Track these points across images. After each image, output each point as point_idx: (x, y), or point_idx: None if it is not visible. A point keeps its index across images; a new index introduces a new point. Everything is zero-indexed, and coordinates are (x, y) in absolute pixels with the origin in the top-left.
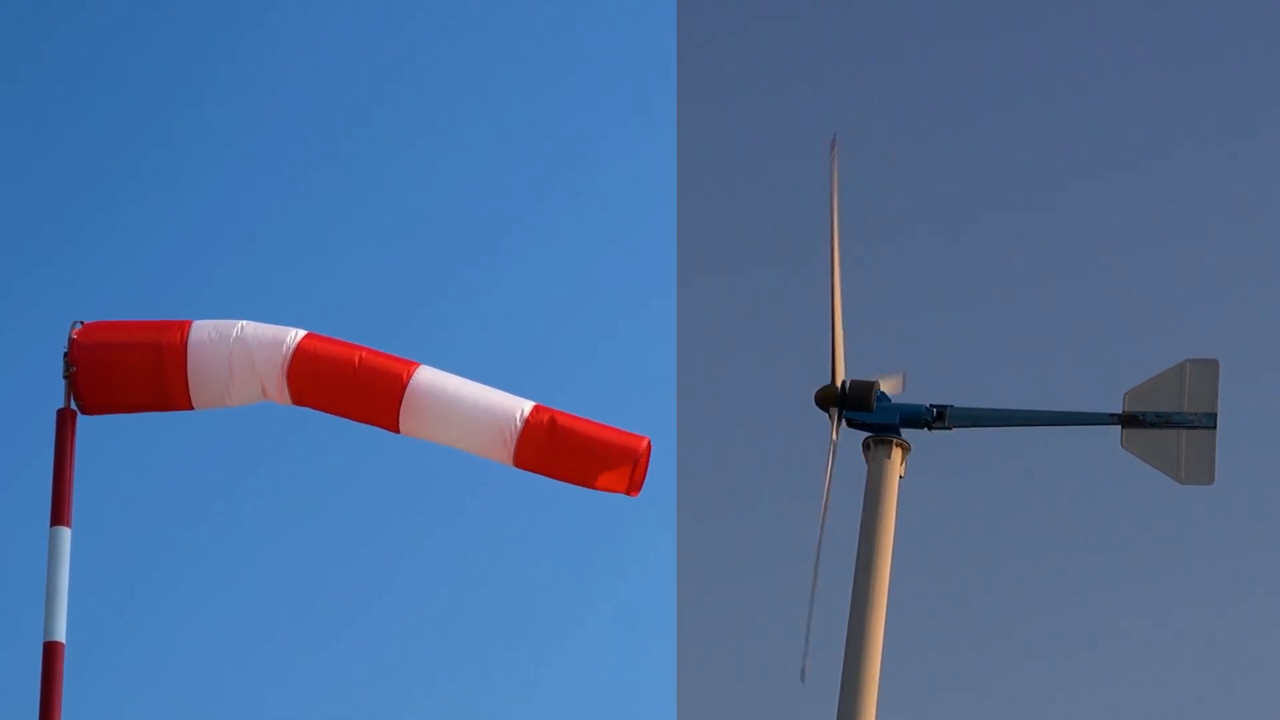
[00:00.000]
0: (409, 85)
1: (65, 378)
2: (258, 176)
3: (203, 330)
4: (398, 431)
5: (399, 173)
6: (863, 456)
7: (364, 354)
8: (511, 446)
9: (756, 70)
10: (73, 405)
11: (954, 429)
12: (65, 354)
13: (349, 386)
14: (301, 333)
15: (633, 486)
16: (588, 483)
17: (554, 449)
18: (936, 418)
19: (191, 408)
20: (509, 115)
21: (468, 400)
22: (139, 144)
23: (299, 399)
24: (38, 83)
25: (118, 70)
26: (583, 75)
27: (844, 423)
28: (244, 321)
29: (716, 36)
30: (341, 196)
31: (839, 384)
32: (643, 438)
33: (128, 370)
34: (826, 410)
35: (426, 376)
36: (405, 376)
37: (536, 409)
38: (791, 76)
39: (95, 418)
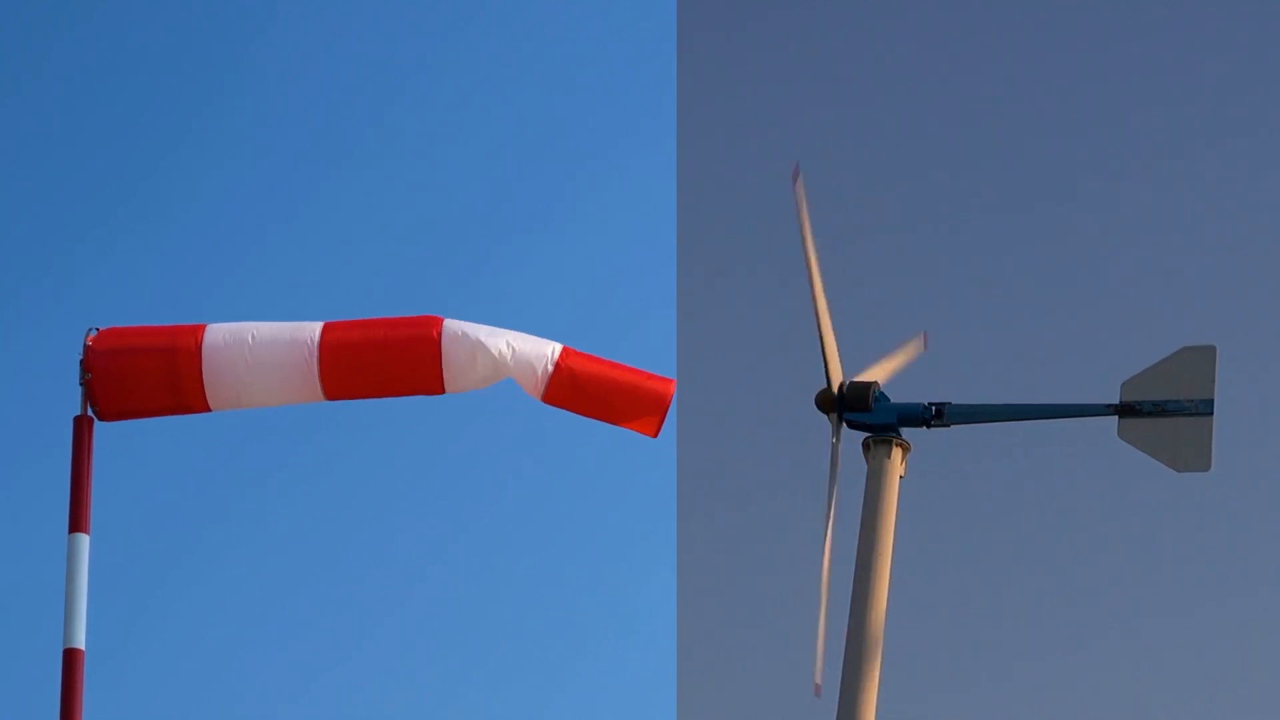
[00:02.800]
0: (412, 90)
1: (81, 384)
2: (268, 181)
3: (217, 334)
4: (443, 392)
5: (405, 177)
6: (863, 456)
7: (387, 328)
8: (542, 386)
9: (757, 71)
10: (89, 412)
11: (952, 426)
12: (81, 361)
13: (382, 364)
14: (319, 326)
15: (657, 429)
16: (614, 421)
17: (583, 388)
18: (935, 415)
19: (209, 409)
20: (507, 120)
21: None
22: (152, 149)
23: (333, 394)
24: (50, 89)
25: (130, 75)
26: (583, 77)
27: (844, 425)
28: (257, 323)
29: (716, 37)
30: (351, 200)
31: (837, 386)
32: (669, 381)
33: (143, 376)
34: (828, 414)
35: (453, 328)
36: (435, 334)
37: (565, 351)
38: (792, 76)
39: (112, 424)
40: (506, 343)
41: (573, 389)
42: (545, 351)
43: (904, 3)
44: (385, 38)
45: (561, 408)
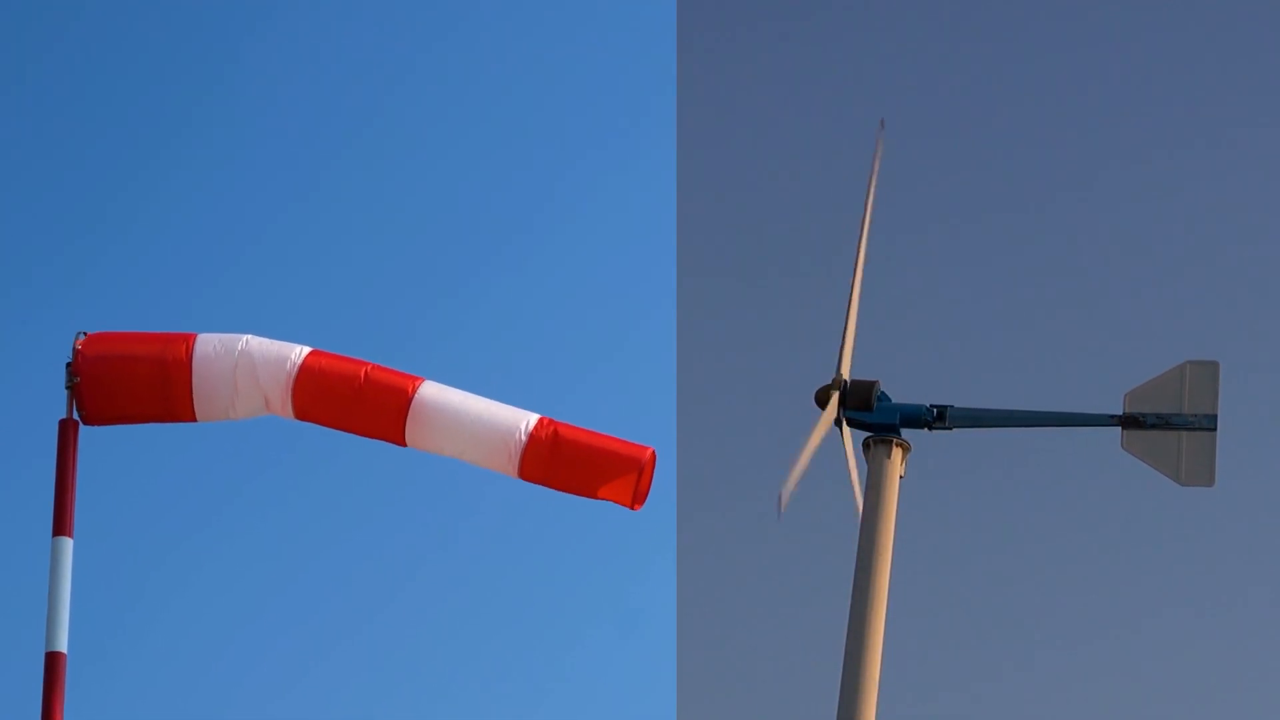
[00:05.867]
0: (408, 92)
1: (68, 388)
2: (261, 186)
3: (207, 344)
4: (404, 445)
5: (400, 181)
6: (863, 456)
7: (369, 370)
8: (516, 459)
9: (756, 70)
10: (75, 415)
11: (954, 429)
12: (68, 364)
13: (354, 403)
14: (306, 350)
15: (636, 499)
16: (592, 494)
17: (558, 461)
18: (937, 418)
19: (195, 420)
20: (507, 121)
21: (472, 414)
22: (144, 151)
23: (303, 414)
24: (42, 87)
25: (122, 75)
26: (582, 79)
27: (845, 422)
28: (249, 336)
29: (716, 36)
30: (345, 206)
31: (840, 384)
32: (646, 448)
33: (132, 383)
34: (826, 409)
35: (431, 391)
36: (410, 391)
37: (540, 422)
38: (792, 75)
39: (97, 428)
40: (475, 418)
41: (549, 459)
42: (519, 423)
43: (905, 1)
44: (376, 42)
45: (538, 482)
